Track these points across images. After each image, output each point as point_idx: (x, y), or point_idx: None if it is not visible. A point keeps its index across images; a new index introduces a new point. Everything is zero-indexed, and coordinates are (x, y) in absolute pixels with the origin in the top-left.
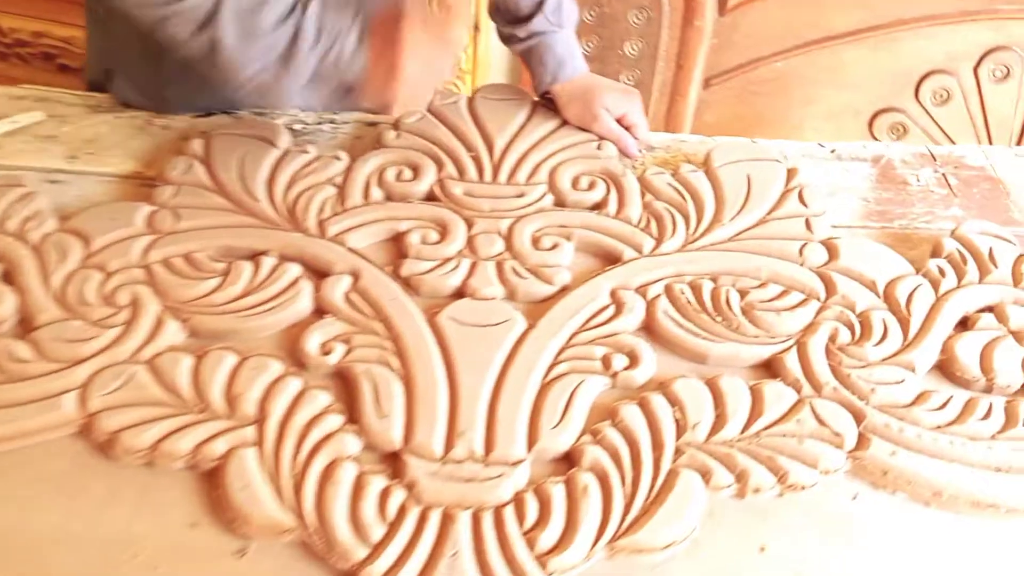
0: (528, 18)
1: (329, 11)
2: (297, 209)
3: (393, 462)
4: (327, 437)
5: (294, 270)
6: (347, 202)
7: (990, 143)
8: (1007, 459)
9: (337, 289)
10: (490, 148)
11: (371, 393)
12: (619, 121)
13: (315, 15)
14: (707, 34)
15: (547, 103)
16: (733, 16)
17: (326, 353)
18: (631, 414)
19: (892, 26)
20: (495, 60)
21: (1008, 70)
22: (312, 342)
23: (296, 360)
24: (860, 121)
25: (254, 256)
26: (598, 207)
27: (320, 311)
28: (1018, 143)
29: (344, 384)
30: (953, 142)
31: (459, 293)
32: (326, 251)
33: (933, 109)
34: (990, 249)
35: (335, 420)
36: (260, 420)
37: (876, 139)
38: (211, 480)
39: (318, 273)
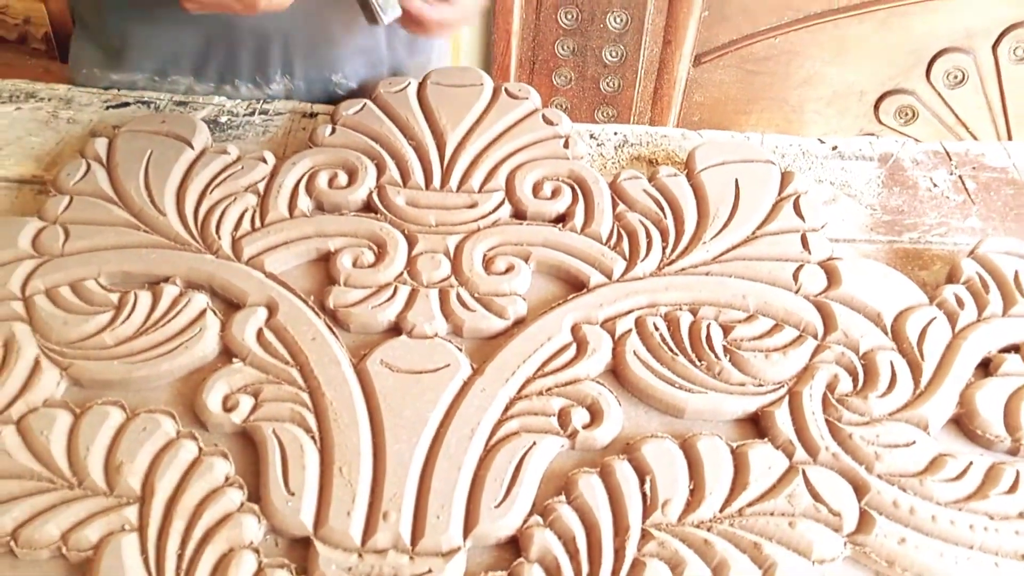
0: None
1: None
2: (209, 224)
3: (302, 551)
4: (223, 520)
5: (199, 301)
6: (268, 215)
7: (1008, 131)
8: None
9: (248, 326)
10: (440, 146)
11: (278, 463)
12: None
13: None
14: (698, 5)
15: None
16: None
17: (229, 409)
18: (590, 487)
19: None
20: (465, 46)
21: None
22: (213, 396)
23: (194, 417)
24: (865, 104)
25: (155, 284)
26: (562, 219)
27: (228, 354)
28: None
29: (249, 447)
30: (967, 128)
31: (395, 328)
32: (239, 278)
33: (946, 91)
34: (1016, 273)
35: (234, 497)
36: (144, 498)
37: (882, 124)
38: (83, 573)
39: (229, 304)
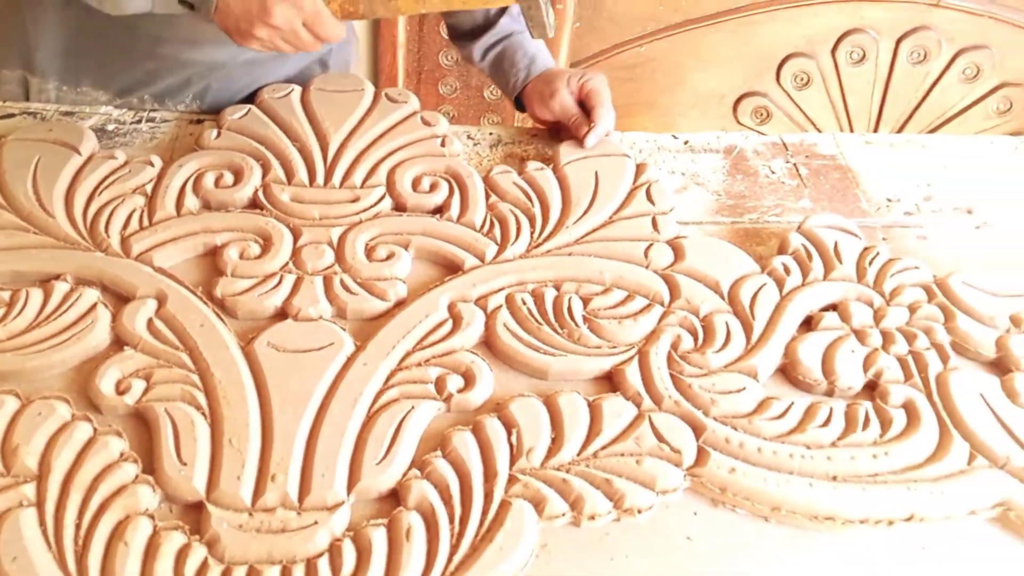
0: (495, 20)
1: None
2: (98, 224)
3: (196, 515)
4: (118, 491)
5: (91, 296)
6: (156, 214)
7: (851, 127)
8: (844, 468)
9: (138, 316)
10: (323, 147)
11: (170, 437)
12: (583, 102)
13: None
14: (570, 17)
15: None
16: None
17: (122, 392)
18: (463, 442)
19: (750, 9)
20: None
21: (864, 53)
22: (106, 380)
23: (89, 401)
24: (725, 106)
25: (46, 281)
26: (440, 211)
27: (120, 343)
28: (876, 127)
29: (143, 427)
30: (816, 125)
31: (281, 314)
32: (129, 272)
33: (795, 93)
34: (835, 243)
35: (129, 470)
36: (41, 476)
37: (741, 124)
38: None
39: (120, 298)
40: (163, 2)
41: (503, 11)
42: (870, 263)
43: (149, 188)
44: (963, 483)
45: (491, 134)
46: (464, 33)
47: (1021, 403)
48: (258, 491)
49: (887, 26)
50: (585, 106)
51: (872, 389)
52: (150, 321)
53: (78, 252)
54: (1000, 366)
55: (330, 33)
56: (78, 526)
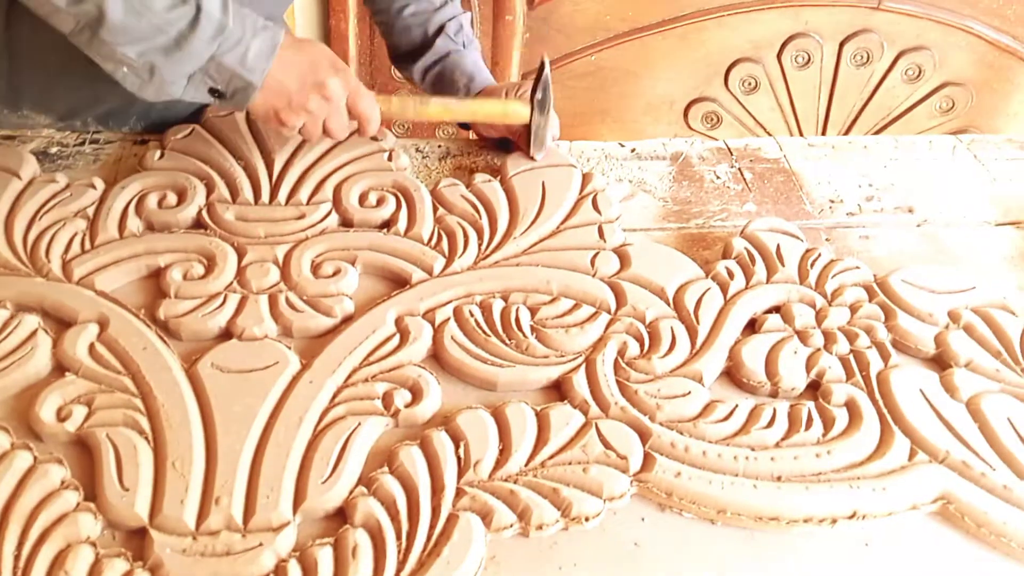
0: (432, 41)
1: (244, 6)
2: (39, 250)
3: (139, 541)
4: (59, 520)
5: (31, 322)
6: (98, 237)
7: (799, 129)
8: (788, 468)
9: (79, 341)
10: (269, 165)
11: (112, 462)
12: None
13: (220, 4)
14: (519, 29)
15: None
16: (542, 10)
17: (63, 419)
18: (410, 457)
19: (696, 16)
20: None
21: (809, 56)
22: (47, 407)
23: (29, 429)
24: (676, 112)
25: None
26: (387, 225)
27: (61, 369)
28: (824, 129)
29: (85, 454)
30: (766, 129)
31: (226, 334)
32: (70, 297)
33: (743, 97)
34: (778, 246)
35: (70, 498)
36: None
37: (692, 129)
38: None
39: (62, 323)
40: (194, 91)
41: (440, 31)
42: (812, 265)
43: (91, 211)
44: (904, 479)
45: (440, 147)
46: (403, 55)
47: (960, 398)
48: (202, 514)
49: (830, 30)
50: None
51: (815, 389)
52: (92, 346)
53: (17, 278)
54: (940, 362)
55: (368, 110)
56: (17, 557)
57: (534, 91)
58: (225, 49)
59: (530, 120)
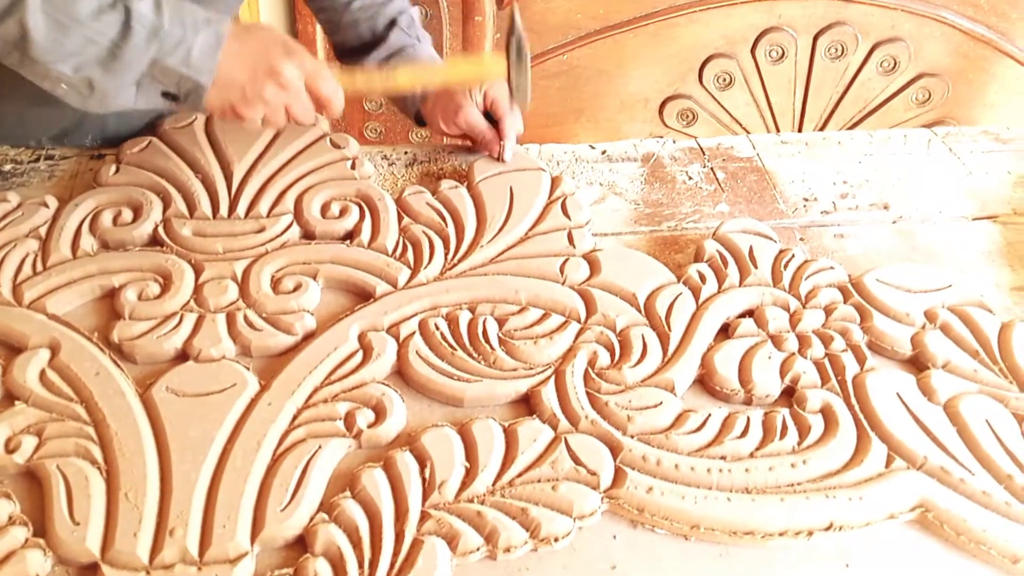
0: (385, 35)
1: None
2: None
3: None
4: (6, 558)
5: None
6: (51, 258)
7: (776, 124)
8: (762, 480)
9: (29, 368)
10: (228, 177)
11: (63, 495)
12: (488, 112)
13: (152, 5)
14: (490, 28)
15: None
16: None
17: (12, 450)
18: (372, 480)
19: (667, 13)
20: None
21: (783, 50)
22: None
23: None
24: (651, 110)
25: None
26: (351, 236)
27: (10, 398)
28: (800, 123)
29: (35, 486)
30: (742, 125)
31: (182, 356)
32: (19, 322)
33: (718, 93)
34: (751, 248)
35: (18, 535)
36: None
37: (668, 127)
38: None
39: (12, 349)
40: (146, 98)
41: (392, 25)
42: (785, 266)
43: (44, 230)
44: (881, 487)
45: (406, 153)
46: (352, 49)
47: (938, 400)
48: (156, 547)
49: (803, 23)
50: (492, 116)
51: (790, 395)
52: (42, 372)
53: None
54: (916, 363)
55: (329, 91)
56: None
57: (508, 43)
58: (166, 51)
59: (508, 73)
